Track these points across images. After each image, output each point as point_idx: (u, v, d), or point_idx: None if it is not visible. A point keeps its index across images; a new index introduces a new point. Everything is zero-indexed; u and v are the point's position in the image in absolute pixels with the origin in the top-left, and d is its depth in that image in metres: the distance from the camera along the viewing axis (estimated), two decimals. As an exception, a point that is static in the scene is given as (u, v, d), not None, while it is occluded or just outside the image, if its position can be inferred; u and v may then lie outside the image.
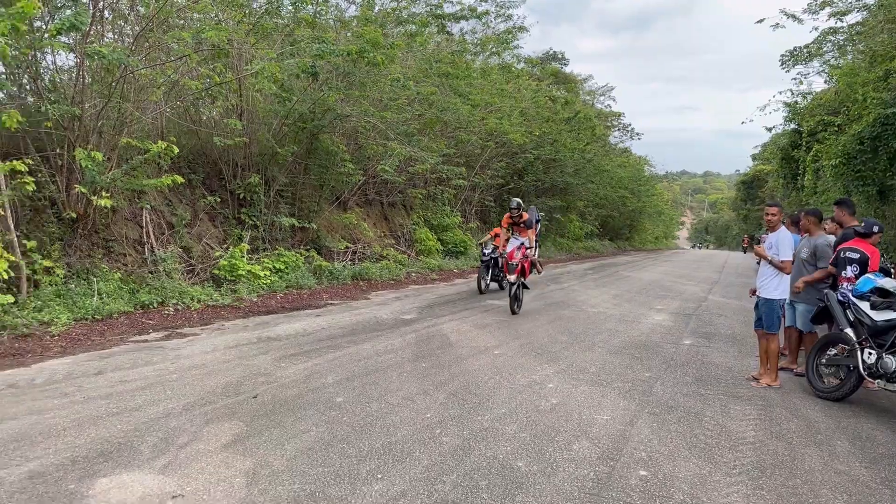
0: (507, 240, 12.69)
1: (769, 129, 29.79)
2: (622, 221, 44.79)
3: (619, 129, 42.89)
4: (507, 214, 12.67)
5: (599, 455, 4.85)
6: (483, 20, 20.39)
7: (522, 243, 11.86)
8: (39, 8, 7.42)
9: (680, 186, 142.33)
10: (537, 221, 13.88)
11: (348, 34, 15.12)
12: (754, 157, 61.93)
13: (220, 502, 3.81)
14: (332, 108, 13.48)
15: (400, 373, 7.01)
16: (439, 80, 16.95)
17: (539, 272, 13.22)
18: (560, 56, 43.80)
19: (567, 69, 42.62)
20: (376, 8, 16.37)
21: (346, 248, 16.47)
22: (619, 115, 42.33)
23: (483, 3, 20.27)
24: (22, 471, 4.12)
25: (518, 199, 12.49)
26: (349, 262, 16.07)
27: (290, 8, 13.21)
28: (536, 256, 12.97)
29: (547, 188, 28.98)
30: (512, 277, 11.25)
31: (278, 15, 12.93)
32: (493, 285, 15.23)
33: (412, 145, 15.72)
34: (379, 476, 4.29)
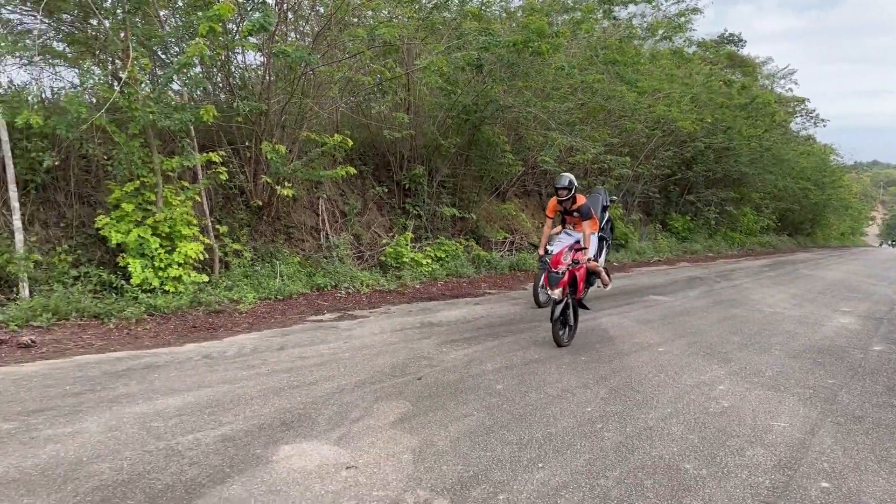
0: (558, 233, 9.69)
1: None
2: (803, 215, 41.11)
3: (801, 116, 39.41)
4: (554, 198, 9.08)
5: (776, 463, 4.51)
6: (653, 3, 19.52)
7: (577, 241, 8.36)
8: (234, 10, 8.16)
9: (870, 178, 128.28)
10: (604, 208, 10.29)
11: (513, 25, 15.14)
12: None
13: (389, 476, 4.00)
14: (495, 99, 13.57)
15: (558, 364, 6.95)
16: (605, 67, 16.50)
17: (604, 286, 9.50)
18: (736, 38, 40.98)
19: (744, 51, 39.82)
20: (541, -4, 16.23)
21: (504, 238, 16.56)
22: (803, 101, 38.88)
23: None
24: (216, 434, 4.57)
25: (569, 175, 8.70)
26: (507, 252, 16.16)
27: (457, 1, 13.44)
28: (601, 263, 9.39)
29: (718, 178, 27.27)
30: (556, 293, 7.42)
31: (446, 9, 13.21)
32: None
33: (574, 135, 15.46)
34: (540, 465, 4.28)
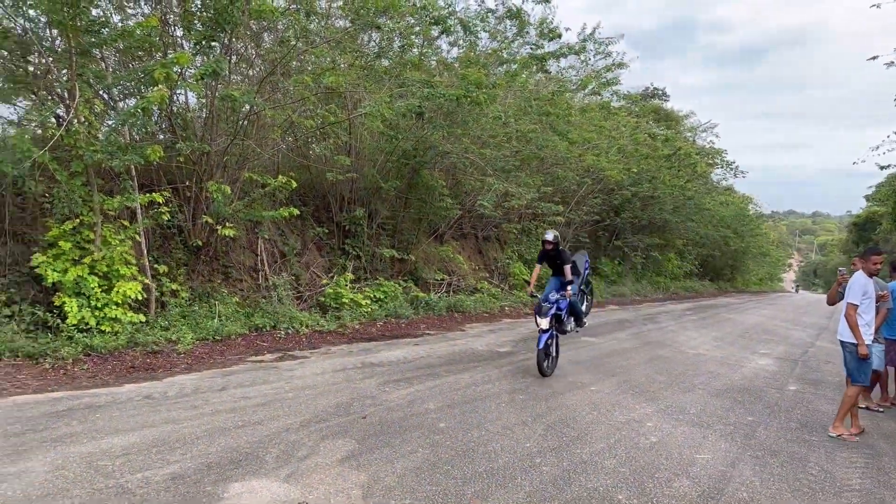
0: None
1: (883, 168, 27.85)
2: (724, 261, 43.15)
3: (721, 167, 41.74)
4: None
5: (700, 493, 4.87)
6: (582, 57, 20.57)
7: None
8: (190, 60, 8.29)
9: (787, 226, 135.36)
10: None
11: (447, 74, 15.70)
12: (868, 198, 58.34)
13: (339, 511, 4.13)
14: (435, 145, 14.01)
15: (498, 403, 7.21)
16: (538, 117, 17.25)
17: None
18: (661, 92, 43.21)
19: (668, 105, 41.93)
20: (478, 49, 16.93)
21: (442, 279, 16.87)
22: (722, 153, 41.25)
23: (582, 42, 20.40)
24: (165, 472, 4.60)
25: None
26: (444, 294, 16.44)
27: (398, 51, 13.93)
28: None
29: (644, 225, 28.53)
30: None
31: (387, 57, 13.66)
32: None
33: (510, 181, 16.03)
34: (485, 499, 4.49)
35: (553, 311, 8.94)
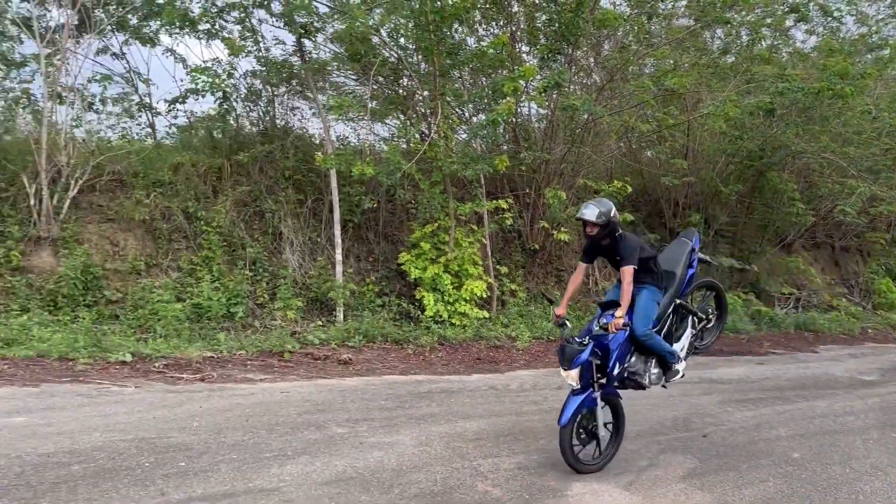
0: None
1: None
2: None
3: None
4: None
5: None
6: None
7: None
8: (535, 72, 8.83)
9: None
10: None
11: (802, 65, 14.08)
12: None
13: (684, 530, 3.97)
14: (786, 144, 12.70)
15: (865, 439, 6.24)
16: (922, 107, 14.51)
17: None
18: None
19: None
20: (840, 35, 14.89)
21: (790, 294, 15.19)
22: None
23: None
24: (512, 461, 4.93)
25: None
26: (792, 310, 14.81)
27: (745, 45, 12.95)
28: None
29: None
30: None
31: (735, 53, 12.81)
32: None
33: (879, 183, 13.77)
34: (856, 548, 3.92)
35: (586, 356, 4.70)
